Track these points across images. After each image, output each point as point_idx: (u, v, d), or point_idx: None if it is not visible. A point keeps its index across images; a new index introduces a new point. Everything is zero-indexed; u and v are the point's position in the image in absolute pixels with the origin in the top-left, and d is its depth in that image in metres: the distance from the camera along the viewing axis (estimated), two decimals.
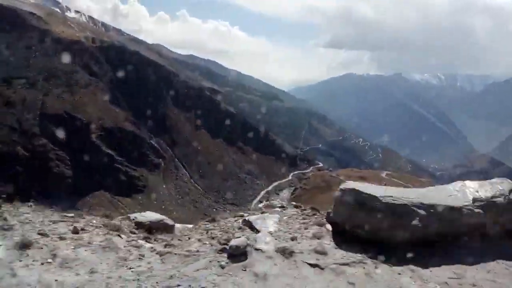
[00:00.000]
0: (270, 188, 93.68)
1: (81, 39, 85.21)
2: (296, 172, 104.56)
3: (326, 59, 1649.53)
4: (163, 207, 71.07)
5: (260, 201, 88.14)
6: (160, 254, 5.23)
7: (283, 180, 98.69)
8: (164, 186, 75.42)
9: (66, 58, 74.18)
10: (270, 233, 5.49)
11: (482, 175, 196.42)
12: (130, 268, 4.69)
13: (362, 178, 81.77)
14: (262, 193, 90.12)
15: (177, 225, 7.50)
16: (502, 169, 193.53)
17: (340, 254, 4.59)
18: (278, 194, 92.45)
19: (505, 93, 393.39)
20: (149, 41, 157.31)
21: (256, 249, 4.88)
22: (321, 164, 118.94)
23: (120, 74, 76.79)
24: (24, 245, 4.91)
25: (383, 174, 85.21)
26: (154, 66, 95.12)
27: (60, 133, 58.94)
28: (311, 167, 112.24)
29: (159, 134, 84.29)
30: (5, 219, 5.80)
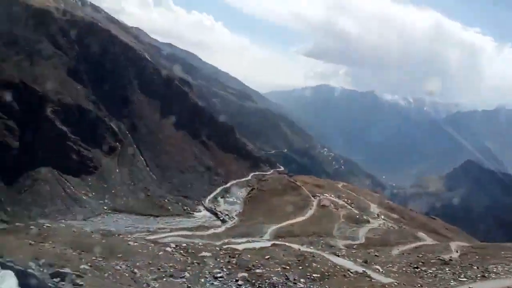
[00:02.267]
0: (228, 185, 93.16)
1: (50, 9, 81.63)
2: (256, 173, 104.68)
3: (305, 67, 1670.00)
4: (113, 191, 69.23)
5: (215, 197, 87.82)
6: None
7: (242, 179, 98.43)
8: (117, 171, 73.37)
9: (30, 25, 70.81)
10: None
11: (434, 197, 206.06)
12: None
13: (318, 186, 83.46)
14: (219, 189, 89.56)
15: None
16: (457, 192, 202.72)
17: None
18: (235, 193, 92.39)
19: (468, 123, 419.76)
20: (129, 23, 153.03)
21: None
22: (282, 168, 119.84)
23: (86, 50, 74.15)
24: None
25: (339, 185, 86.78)
26: (125, 48, 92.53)
27: (8, 97, 56.24)
28: (272, 170, 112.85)
29: (120, 117, 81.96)
30: None
